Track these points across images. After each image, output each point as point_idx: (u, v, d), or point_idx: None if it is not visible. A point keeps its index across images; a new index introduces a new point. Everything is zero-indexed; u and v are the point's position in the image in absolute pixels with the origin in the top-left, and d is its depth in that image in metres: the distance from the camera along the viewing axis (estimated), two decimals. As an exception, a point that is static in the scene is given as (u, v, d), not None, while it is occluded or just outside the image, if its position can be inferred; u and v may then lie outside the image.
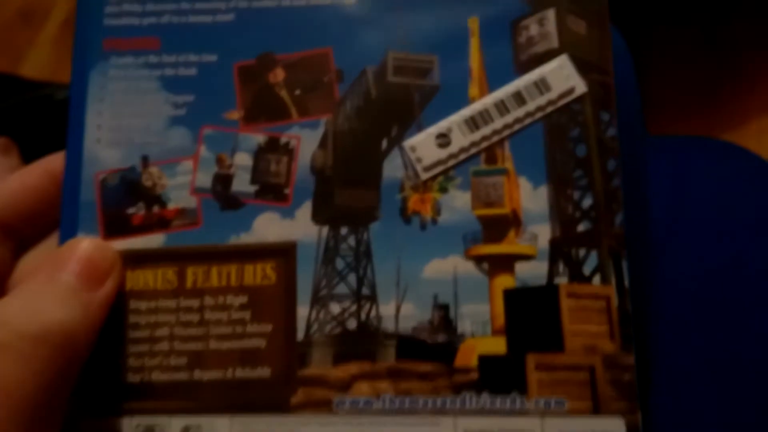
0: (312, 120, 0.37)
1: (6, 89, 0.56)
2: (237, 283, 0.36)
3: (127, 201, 0.36)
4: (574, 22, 0.37)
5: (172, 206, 0.36)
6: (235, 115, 0.37)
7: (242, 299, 0.35)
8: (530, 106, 0.36)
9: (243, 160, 0.37)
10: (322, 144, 0.37)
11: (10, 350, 0.29)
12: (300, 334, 0.35)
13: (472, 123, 0.36)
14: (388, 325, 0.35)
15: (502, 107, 0.36)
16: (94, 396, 0.35)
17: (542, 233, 0.36)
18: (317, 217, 0.36)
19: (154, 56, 0.38)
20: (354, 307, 0.36)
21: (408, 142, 0.36)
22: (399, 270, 0.35)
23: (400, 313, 0.35)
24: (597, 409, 0.34)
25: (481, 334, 0.35)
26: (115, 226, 0.36)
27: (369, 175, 0.37)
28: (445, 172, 0.36)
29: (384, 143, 0.37)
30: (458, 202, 0.36)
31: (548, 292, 0.35)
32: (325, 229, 0.36)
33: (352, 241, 0.36)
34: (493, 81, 0.37)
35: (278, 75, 0.37)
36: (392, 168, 0.36)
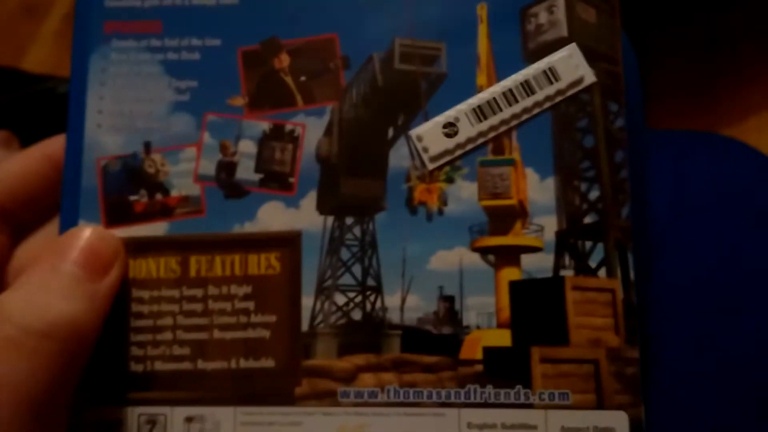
0: (317, 107, 0.36)
1: (7, 83, 0.55)
2: (241, 273, 0.35)
3: (129, 188, 0.36)
4: (584, 10, 0.36)
5: (175, 194, 0.36)
6: (240, 101, 0.36)
7: (246, 289, 0.35)
8: (539, 95, 0.35)
9: (247, 147, 0.36)
10: (328, 132, 0.36)
11: (17, 347, 0.29)
12: (304, 325, 0.35)
13: (480, 112, 0.35)
14: (393, 317, 0.35)
15: (510, 96, 0.35)
16: (96, 385, 0.34)
17: (549, 225, 0.35)
18: (322, 206, 0.35)
19: (157, 40, 0.37)
20: (359, 299, 0.35)
21: (414, 131, 0.36)
22: (405, 261, 0.35)
23: (406, 304, 0.35)
24: (600, 402, 0.33)
25: (486, 327, 0.34)
26: (117, 213, 0.35)
27: (375, 165, 0.36)
28: (451, 162, 0.35)
29: (390, 132, 0.36)
30: (465, 193, 0.35)
31: (554, 285, 0.35)
32: (330, 219, 0.36)
33: (357, 231, 0.36)
34: (501, 69, 0.36)
35: (283, 61, 0.36)
36: (398, 157, 0.36)
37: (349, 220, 0.36)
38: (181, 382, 0.34)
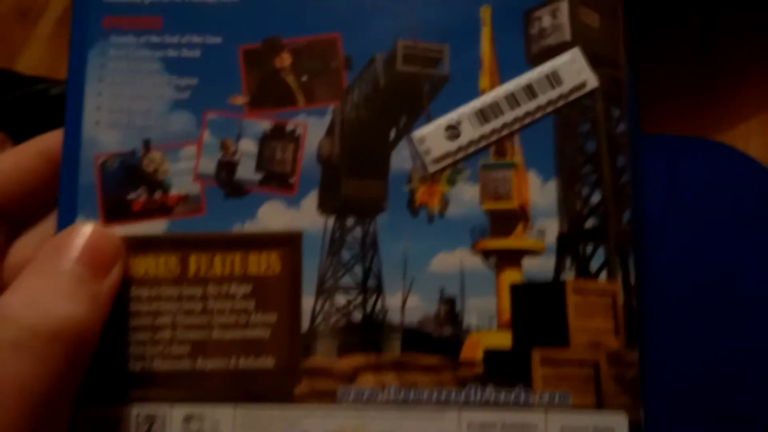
0: (319, 107, 0.35)
1: (1, 85, 0.54)
2: (241, 272, 0.34)
3: (128, 186, 0.35)
4: (588, 15, 0.36)
5: (174, 192, 0.35)
6: (240, 100, 0.35)
7: (246, 288, 0.34)
8: (541, 99, 0.35)
9: (248, 146, 0.35)
10: (329, 132, 0.35)
11: (22, 349, 0.28)
12: (305, 325, 0.34)
13: (482, 115, 0.35)
14: (394, 318, 0.34)
15: (512, 100, 0.35)
16: (94, 383, 0.33)
17: (550, 228, 0.35)
18: (323, 207, 0.35)
19: (156, 36, 0.36)
20: (359, 299, 0.35)
21: (416, 133, 0.35)
22: (405, 262, 0.34)
23: (406, 305, 0.34)
24: (600, 404, 0.33)
25: (486, 329, 0.34)
26: (116, 211, 0.35)
27: (376, 166, 0.35)
28: (453, 165, 0.35)
29: (392, 133, 0.36)
30: (466, 196, 0.35)
31: (555, 288, 0.34)
32: (332, 220, 0.35)
33: (358, 232, 0.35)
34: (504, 72, 0.36)
35: (285, 60, 0.36)
36: (400, 159, 0.35)
37: (350, 221, 0.35)
38: (180, 381, 0.34)
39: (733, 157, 0.43)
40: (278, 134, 0.35)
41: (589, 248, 0.35)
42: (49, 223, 0.35)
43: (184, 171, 0.35)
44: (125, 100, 0.35)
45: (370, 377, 0.34)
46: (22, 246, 0.35)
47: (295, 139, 0.35)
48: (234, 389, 0.34)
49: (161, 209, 0.35)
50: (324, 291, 0.34)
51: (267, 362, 0.34)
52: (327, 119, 0.35)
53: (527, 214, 0.35)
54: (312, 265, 0.34)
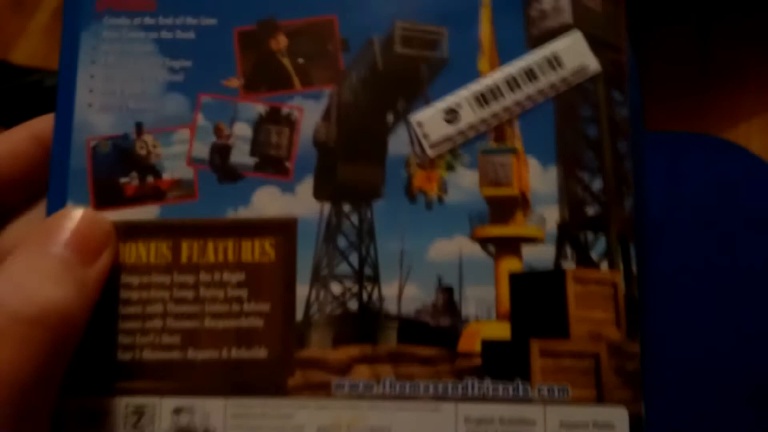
0: (315, 90, 0.34)
1: (-5, 74, 0.53)
2: (234, 260, 0.33)
3: (120, 170, 0.34)
4: (590, -3, 0.35)
5: (167, 177, 0.34)
6: (235, 82, 0.34)
7: (239, 276, 0.33)
8: (542, 82, 0.34)
9: (242, 130, 0.34)
10: (326, 116, 0.34)
11: (5, 334, 0.27)
12: (299, 315, 0.33)
13: (482, 98, 0.34)
14: (391, 308, 0.33)
15: (513, 83, 0.34)
16: (81, 373, 0.32)
17: (550, 215, 0.33)
18: (319, 192, 0.34)
19: (150, 18, 0.35)
20: (355, 288, 0.34)
21: (415, 117, 0.34)
22: (403, 250, 0.33)
23: (403, 295, 0.33)
24: (600, 397, 0.32)
25: (485, 319, 0.33)
26: (107, 195, 0.33)
27: (373, 150, 0.34)
28: (452, 150, 0.34)
29: (390, 117, 0.34)
30: (465, 181, 0.34)
31: (555, 278, 0.33)
32: (327, 206, 0.34)
33: (354, 218, 0.34)
34: (504, 55, 0.34)
35: (280, 42, 0.34)
36: (398, 143, 0.34)
37: (346, 207, 0.34)
38: (170, 372, 0.32)
39: (736, 153, 0.42)
40: (273, 118, 0.34)
41: (590, 236, 0.33)
42: (41, 208, 0.34)
43: (177, 155, 0.34)
44: (118, 83, 0.34)
45: (365, 369, 0.33)
46: (13, 231, 0.34)
47: (290, 123, 0.34)
48: (225, 381, 0.32)
49: (153, 194, 0.33)
50: (319, 280, 0.33)
51: (260, 353, 0.33)
52: (323, 103, 0.34)
53: (527, 200, 0.34)
54: (307, 252, 0.33)
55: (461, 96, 0.34)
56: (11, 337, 0.27)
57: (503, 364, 0.32)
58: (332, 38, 0.34)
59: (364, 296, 0.33)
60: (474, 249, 0.33)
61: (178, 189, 0.34)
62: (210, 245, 0.33)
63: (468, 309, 0.33)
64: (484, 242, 0.33)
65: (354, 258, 0.34)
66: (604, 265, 0.33)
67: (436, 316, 0.33)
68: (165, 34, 0.35)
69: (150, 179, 0.34)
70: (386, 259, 0.33)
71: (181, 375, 0.32)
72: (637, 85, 0.38)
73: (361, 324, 0.33)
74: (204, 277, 0.33)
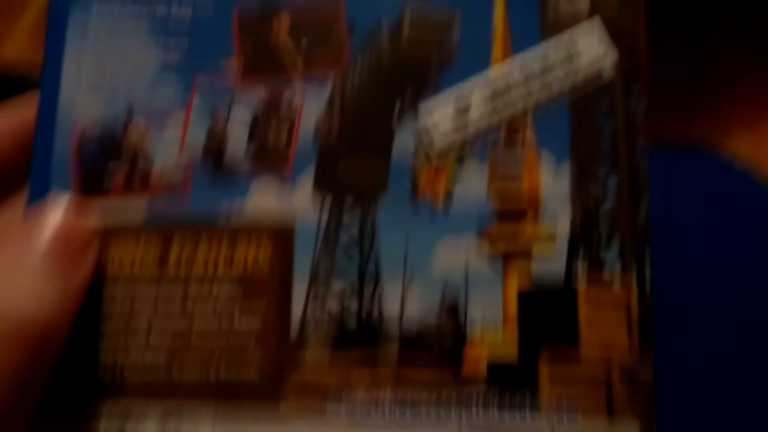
0: (318, 76, 0.32)
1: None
2: (226, 269, 0.30)
3: (108, 156, 0.31)
4: (608, -18, 0.33)
5: (158, 164, 0.31)
6: (233, 64, 0.32)
7: (231, 289, 0.31)
8: (557, 72, 0.32)
9: (240, 116, 0.32)
10: (329, 105, 0.32)
11: None
12: (293, 331, 0.30)
13: (494, 88, 0.31)
14: (391, 326, 0.31)
15: (527, 72, 0.32)
16: (60, 391, 0.30)
17: (563, 214, 0.31)
18: (319, 186, 0.31)
19: None
20: (355, 303, 0.31)
21: (423, 108, 0.32)
22: (406, 259, 0.31)
23: (405, 311, 0.31)
24: (611, 424, 0.30)
25: (491, 338, 0.31)
26: (93, 183, 0.31)
27: (378, 142, 0.32)
28: (462, 142, 0.32)
29: (397, 107, 0.32)
30: (474, 176, 0.31)
31: (566, 297, 0.31)
32: (328, 202, 0.31)
33: (357, 214, 0.32)
34: (517, 43, 0.32)
35: (283, 23, 0.32)
36: (404, 135, 0.32)
37: (347, 207, 0.32)
38: (154, 391, 0.30)
39: (730, 168, 0.41)
40: (273, 105, 0.32)
41: (604, 236, 0.31)
42: (22, 199, 0.31)
43: (170, 141, 0.31)
44: (108, 62, 0.32)
45: (363, 392, 0.30)
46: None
47: (291, 111, 0.32)
48: (213, 401, 0.30)
49: (142, 183, 0.31)
50: (316, 293, 0.31)
51: (250, 374, 0.30)
52: (326, 89, 0.32)
53: (538, 199, 0.32)
54: (304, 256, 0.31)
55: (472, 85, 0.32)
56: None
57: (510, 389, 0.30)
58: (338, 21, 0.32)
59: (364, 312, 0.31)
60: (481, 263, 0.31)
61: (169, 178, 0.31)
62: (200, 255, 0.31)
63: (473, 327, 0.31)
64: (492, 241, 0.31)
65: (354, 266, 0.31)
66: (617, 270, 0.31)
67: (439, 334, 0.31)
68: (160, 11, 0.32)
69: (140, 165, 0.31)
70: (388, 267, 0.31)
71: (166, 394, 0.30)
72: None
73: (360, 342, 0.31)
74: (193, 289, 0.31)
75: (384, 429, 0.30)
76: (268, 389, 0.30)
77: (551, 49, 0.32)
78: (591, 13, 0.32)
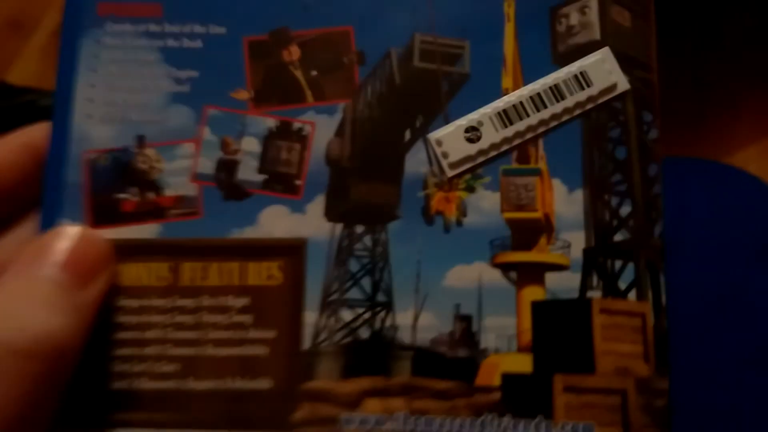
0: (328, 105, 0.31)
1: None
2: (239, 283, 0.30)
3: (119, 185, 0.31)
4: (618, 13, 0.32)
5: (169, 193, 0.31)
6: (244, 95, 0.31)
7: (244, 301, 0.30)
8: (569, 101, 0.31)
9: (251, 145, 0.31)
10: (339, 132, 0.31)
11: None
12: (306, 343, 0.30)
13: (505, 116, 0.31)
14: (405, 337, 0.30)
15: (538, 101, 0.31)
16: (73, 404, 0.29)
17: (576, 241, 0.31)
18: (330, 212, 0.31)
19: (156, 25, 0.32)
20: (367, 315, 0.31)
21: (433, 135, 0.31)
22: (419, 275, 0.30)
23: (418, 323, 0.30)
24: (628, 437, 0.29)
25: (505, 350, 0.30)
26: (105, 212, 0.30)
27: (389, 169, 0.31)
28: (473, 170, 0.31)
29: (407, 135, 0.32)
30: (486, 203, 0.31)
31: (580, 307, 0.30)
32: (339, 227, 0.31)
33: (368, 241, 0.31)
34: (528, 72, 0.32)
35: (293, 53, 0.32)
36: (415, 162, 0.31)
37: (359, 229, 0.31)
38: (168, 403, 0.29)
39: (740, 179, 0.40)
40: (284, 133, 0.31)
41: (618, 263, 0.31)
42: (32, 224, 0.31)
43: (181, 170, 0.31)
44: (120, 93, 0.31)
45: (376, 403, 0.29)
46: (3, 247, 0.31)
47: (302, 139, 0.31)
48: (226, 413, 0.29)
49: (154, 211, 0.30)
50: (329, 305, 0.30)
51: (263, 384, 0.29)
52: (337, 118, 0.31)
53: (552, 224, 0.31)
54: (316, 276, 0.30)
55: (483, 113, 0.31)
56: (1, 371, 0.24)
57: (524, 400, 0.29)
58: (348, 50, 0.32)
59: (377, 324, 0.30)
60: (494, 276, 0.30)
61: (181, 206, 0.31)
62: (213, 267, 0.30)
63: (487, 340, 0.30)
64: (505, 268, 0.30)
65: (367, 283, 0.31)
66: (632, 295, 0.30)
67: (453, 346, 0.30)
68: (171, 43, 0.32)
69: (151, 195, 0.31)
70: (401, 285, 0.30)
71: (179, 406, 0.29)
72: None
73: (373, 354, 0.30)
74: (206, 301, 0.30)
75: None
76: (280, 399, 0.29)
77: (563, 78, 0.31)
78: (602, 43, 0.32)
